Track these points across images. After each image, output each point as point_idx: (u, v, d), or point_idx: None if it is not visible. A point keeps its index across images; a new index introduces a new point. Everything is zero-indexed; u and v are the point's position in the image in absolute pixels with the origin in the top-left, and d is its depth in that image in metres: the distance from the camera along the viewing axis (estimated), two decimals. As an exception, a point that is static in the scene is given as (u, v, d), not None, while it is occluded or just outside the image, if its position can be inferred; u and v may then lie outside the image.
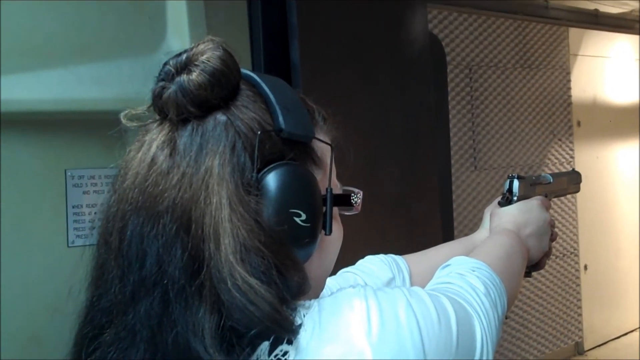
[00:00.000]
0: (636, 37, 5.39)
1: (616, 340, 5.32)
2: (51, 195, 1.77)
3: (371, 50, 2.48)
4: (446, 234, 2.65)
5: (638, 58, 5.72)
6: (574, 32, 5.08)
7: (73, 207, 1.78)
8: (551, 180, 1.64)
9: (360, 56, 2.45)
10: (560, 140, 4.98)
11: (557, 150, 4.96)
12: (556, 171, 4.29)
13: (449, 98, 4.14)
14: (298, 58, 2.13)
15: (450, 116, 4.15)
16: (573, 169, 1.90)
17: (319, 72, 2.26)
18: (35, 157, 1.75)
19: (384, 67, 2.53)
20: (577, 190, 1.80)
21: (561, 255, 4.94)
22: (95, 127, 1.52)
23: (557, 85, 4.99)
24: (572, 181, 1.77)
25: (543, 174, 1.66)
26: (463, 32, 4.30)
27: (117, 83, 1.76)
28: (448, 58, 4.17)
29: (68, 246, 1.78)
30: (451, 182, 3.18)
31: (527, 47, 4.76)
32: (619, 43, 5.52)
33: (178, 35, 1.81)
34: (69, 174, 1.78)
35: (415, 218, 2.55)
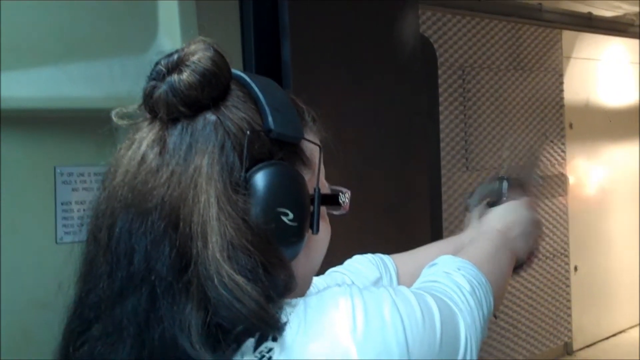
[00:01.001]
0: (629, 40, 5.41)
1: (605, 340, 5.35)
2: (40, 192, 1.77)
3: (362, 50, 2.49)
4: (435, 234, 2.66)
5: (631, 61, 5.74)
6: (567, 34, 5.10)
7: (62, 204, 1.78)
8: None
9: (352, 56, 2.46)
10: (552, 142, 5.00)
11: (549, 152, 4.98)
12: (548, 173, 4.32)
13: (442, 99, 4.15)
14: (289, 57, 2.14)
15: (442, 117, 4.16)
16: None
17: (310, 72, 2.27)
18: (25, 154, 1.75)
19: (375, 67, 2.54)
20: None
21: (551, 256, 4.96)
22: (86, 125, 1.53)
23: (550, 88, 5.00)
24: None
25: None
26: (456, 34, 4.32)
27: (108, 81, 1.76)
28: (441, 59, 4.18)
29: (56, 242, 1.78)
30: (441, 183, 3.20)
31: (520, 50, 4.78)
32: (612, 46, 5.54)
33: (169, 34, 1.82)
34: (59, 171, 1.78)
35: (405, 218, 2.55)
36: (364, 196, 2.30)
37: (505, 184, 1.54)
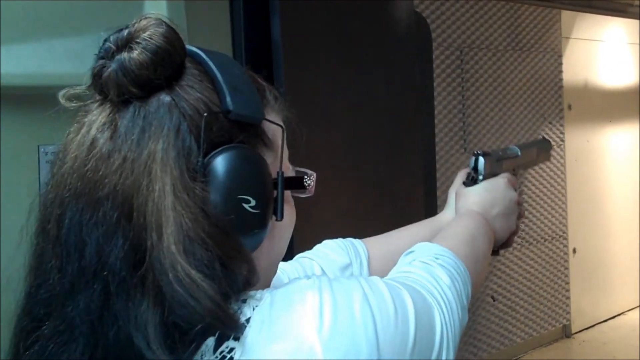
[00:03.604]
0: (629, 20, 5.37)
1: (604, 323, 5.34)
2: (24, 171, 1.73)
3: (354, 27, 2.45)
4: (429, 215, 2.62)
5: (630, 42, 5.70)
6: (566, 14, 5.06)
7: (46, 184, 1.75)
8: (519, 154, 1.57)
9: (343, 33, 2.42)
10: (550, 123, 4.97)
11: (547, 134, 4.95)
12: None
13: (439, 80, 4.12)
14: (279, 35, 2.10)
15: (440, 98, 4.14)
16: (543, 137, 1.82)
17: (301, 50, 2.23)
18: (7, 133, 1.72)
19: (368, 45, 2.50)
20: (548, 158, 1.70)
21: (550, 238, 4.95)
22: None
23: (549, 68, 4.97)
24: (541, 150, 1.68)
25: (510, 147, 1.56)
26: (454, 14, 4.28)
27: (92, 58, 1.72)
28: (439, 39, 4.15)
29: (40, 223, 1.75)
30: (435, 163, 3.16)
31: (519, 30, 4.74)
32: (612, 27, 5.50)
33: (156, 7, 1.77)
34: (42, 150, 1.75)
35: (398, 198, 2.53)
36: (355, 174, 2.28)
37: (481, 161, 1.45)
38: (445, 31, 4.22)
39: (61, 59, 1.71)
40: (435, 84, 3.96)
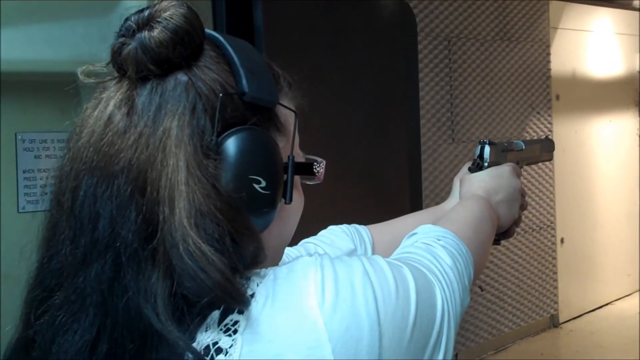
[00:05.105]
0: (617, 11, 5.38)
1: (591, 313, 5.37)
2: (1, 159, 1.72)
3: (338, 15, 2.44)
4: (414, 203, 2.63)
5: (617, 32, 5.71)
6: (554, 5, 5.07)
7: (24, 172, 1.73)
8: (523, 147, 1.61)
9: (327, 22, 2.41)
10: (538, 113, 4.98)
11: (535, 124, 4.96)
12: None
13: (427, 70, 4.12)
14: (261, 21, 2.09)
15: (428, 88, 4.13)
16: (546, 137, 1.87)
17: (283, 37, 2.22)
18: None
19: (352, 33, 2.49)
20: (550, 158, 1.77)
21: (538, 228, 4.96)
22: (48, 89, 1.49)
23: (537, 59, 4.97)
24: (544, 149, 1.73)
25: (515, 141, 1.62)
26: (442, 4, 4.27)
27: (70, 44, 1.71)
28: (427, 30, 4.14)
29: (18, 212, 1.74)
30: (420, 153, 3.16)
31: (507, 20, 4.74)
32: (600, 17, 5.51)
33: (135, -6, 1.77)
34: (20, 137, 1.74)
35: (383, 187, 2.53)
36: (341, 163, 2.28)
37: (487, 149, 1.50)
38: (433, 21, 4.21)
39: (40, 45, 1.70)
40: (422, 75, 3.96)
